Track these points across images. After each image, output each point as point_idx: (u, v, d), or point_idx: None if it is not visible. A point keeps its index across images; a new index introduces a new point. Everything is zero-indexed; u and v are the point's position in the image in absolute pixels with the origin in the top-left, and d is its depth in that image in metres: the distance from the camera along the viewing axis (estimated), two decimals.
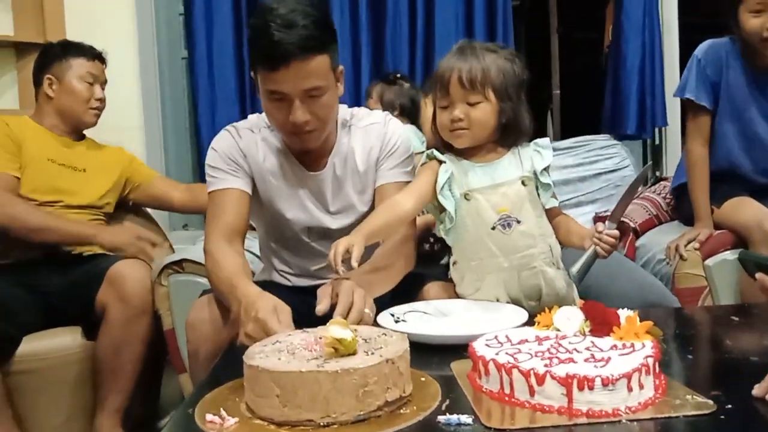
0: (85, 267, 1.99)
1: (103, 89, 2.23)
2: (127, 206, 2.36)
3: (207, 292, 1.50)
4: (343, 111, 1.58)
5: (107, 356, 1.92)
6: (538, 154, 1.41)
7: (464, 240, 1.41)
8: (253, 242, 1.89)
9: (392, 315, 1.33)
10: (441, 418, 0.89)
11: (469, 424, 0.88)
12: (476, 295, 1.39)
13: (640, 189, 2.55)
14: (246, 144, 1.53)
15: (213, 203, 1.50)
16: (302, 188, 1.55)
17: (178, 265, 1.96)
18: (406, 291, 1.50)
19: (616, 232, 1.33)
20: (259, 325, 1.15)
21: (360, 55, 2.71)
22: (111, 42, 2.39)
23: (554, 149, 2.76)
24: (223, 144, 1.53)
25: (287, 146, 1.53)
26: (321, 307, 1.23)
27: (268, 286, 1.63)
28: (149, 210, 2.45)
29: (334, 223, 1.56)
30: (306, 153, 1.52)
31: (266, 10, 1.36)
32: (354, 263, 1.23)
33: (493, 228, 1.37)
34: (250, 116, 1.59)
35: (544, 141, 1.44)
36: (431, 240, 2.03)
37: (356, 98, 2.65)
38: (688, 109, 2.13)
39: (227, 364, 1.16)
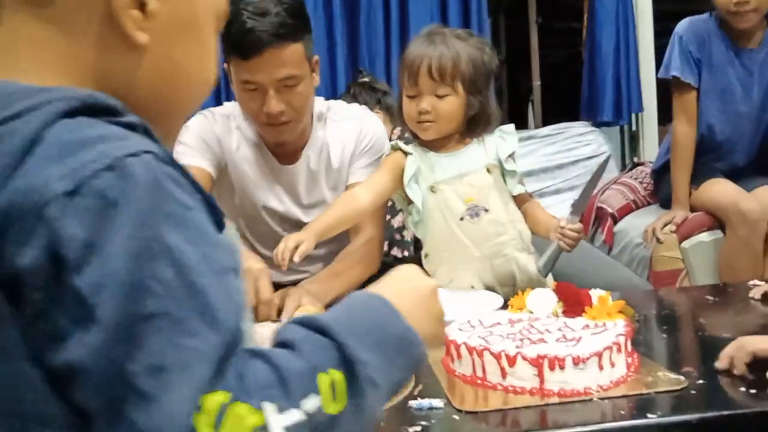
0: None
1: None
2: None
3: None
4: (319, 103, 1.56)
5: None
6: (503, 140, 1.40)
7: (434, 232, 1.40)
8: None
9: None
10: (413, 403, 0.89)
11: (440, 408, 0.87)
12: (450, 286, 1.38)
13: (618, 174, 2.56)
14: (220, 130, 1.51)
15: None
16: (275, 180, 1.54)
17: None
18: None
19: (579, 226, 1.33)
20: (252, 281, 1.16)
21: (335, 49, 2.70)
22: None
23: (532, 138, 2.80)
24: (196, 125, 1.51)
25: (262, 138, 1.51)
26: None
27: None
28: None
29: (306, 216, 1.54)
30: (280, 145, 1.50)
31: None
32: (296, 259, 1.22)
33: (462, 218, 1.37)
34: (226, 103, 1.57)
35: (509, 127, 1.43)
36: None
37: (332, 92, 2.64)
38: (672, 88, 2.13)
39: None
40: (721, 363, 0.92)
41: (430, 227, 1.40)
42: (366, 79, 2.29)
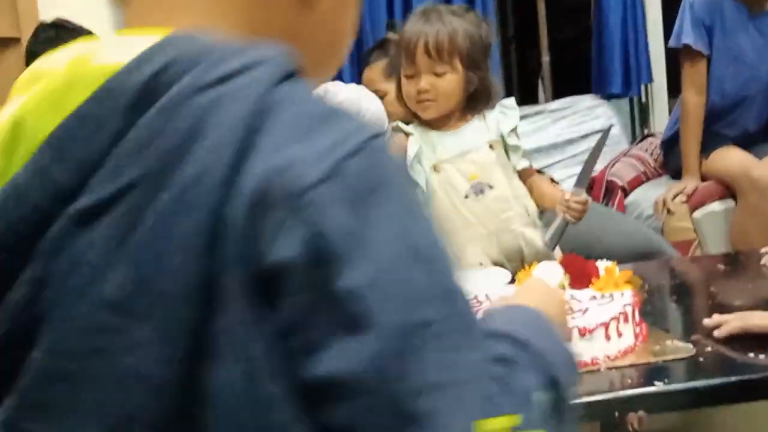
0: None
1: None
2: None
3: None
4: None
5: None
6: (504, 115, 1.39)
7: (439, 211, 1.40)
8: None
9: None
10: None
11: None
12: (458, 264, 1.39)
13: (628, 146, 2.53)
14: None
15: None
16: None
17: None
18: None
19: (584, 197, 1.32)
20: None
21: None
22: (84, 25, 2.35)
23: (541, 113, 2.77)
24: None
25: None
26: None
27: None
28: None
29: None
30: None
31: None
32: None
33: (466, 196, 1.36)
34: None
35: (509, 101, 1.42)
36: None
37: (336, 73, 2.63)
38: (682, 57, 2.11)
39: None
40: (710, 321, 0.92)
41: (435, 206, 1.40)
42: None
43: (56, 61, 0.38)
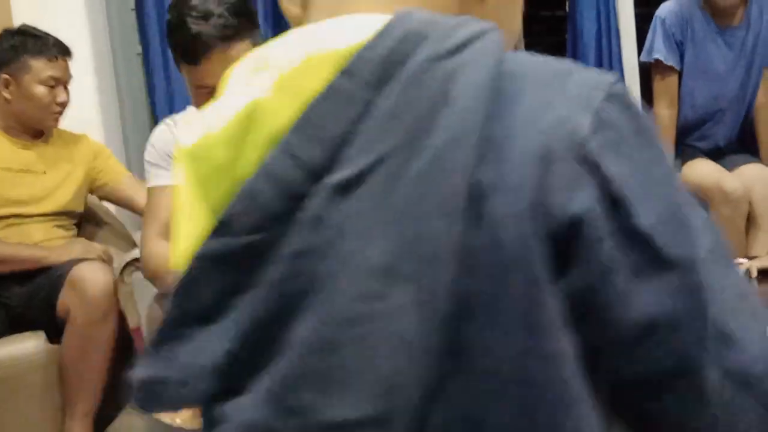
0: (45, 272, 1.95)
1: (67, 88, 2.06)
2: (91, 210, 2.30)
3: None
4: None
5: (73, 361, 1.88)
6: None
7: None
8: None
9: None
10: None
11: None
12: None
13: None
14: None
15: (151, 200, 1.49)
16: None
17: (140, 262, 1.93)
18: None
19: None
20: None
21: None
22: (62, 38, 2.32)
23: None
24: (160, 139, 1.51)
25: None
26: None
27: None
28: (114, 209, 2.40)
29: None
30: None
31: (181, 3, 1.34)
32: None
33: None
34: (189, 107, 1.55)
35: None
36: None
37: None
38: (654, 71, 2.15)
39: None
40: None
41: None
42: None
43: (282, 48, 0.38)
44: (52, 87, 2.02)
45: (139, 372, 0.39)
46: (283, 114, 0.35)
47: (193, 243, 0.37)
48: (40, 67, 2.00)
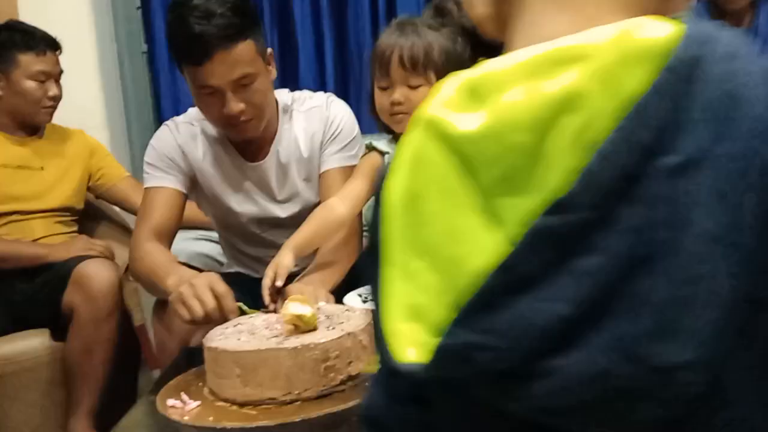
0: (49, 269, 1.95)
1: (58, 82, 2.07)
2: (93, 206, 2.30)
3: None
4: (284, 96, 1.54)
5: (78, 358, 1.88)
6: None
7: None
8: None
9: (360, 295, 1.32)
10: None
11: None
12: None
13: None
14: (184, 140, 1.49)
15: (145, 200, 1.49)
16: (246, 180, 1.52)
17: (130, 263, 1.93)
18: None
19: None
20: (217, 301, 1.13)
21: (323, 41, 2.69)
22: (67, 38, 2.33)
23: None
24: (160, 141, 1.50)
25: (227, 138, 1.49)
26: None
27: (234, 276, 1.62)
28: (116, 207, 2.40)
29: (282, 212, 1.52)
30: (248, 143, 1.48)
31: (181, 3, 1.32)
32: (279, 283, 1.20)
33: None
34: (190, 109, 1.54)
35: None
36: None
37: (321, 86, 2.63)
38: None
39: (192, 352, 1.14)
40: None
41: None
42: None
43: (593, 38, 0.42)
44: (42, 81, 2.01)
45: (448, 340, 0.42)
46: (603, 103, 0.40)
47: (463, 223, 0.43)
48: (29, 61, 2.00)
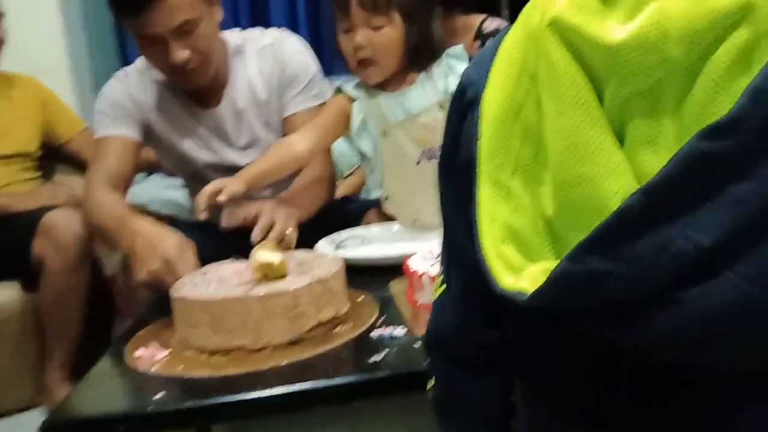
0: (16, 220, 1.90)
1: None
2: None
3: None
4: (234, 36, 1.48)
5: (50, 309, 1.86)
6: (451, 69, 1.30)
7: (391, 176, 1.35)
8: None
9: (332, 241, 1.31)
10: (374, 333, 0.89)
11: (401, 337, 0.87)
12: (415, 226, 1.36)
13: None
14: (136, 88, 1.44)
15: (97, 149, 1.43)
16: (200, 126, 1.47)
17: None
18: (347, 220, 1.47)
19: None
20: (168, 265, 1.09)
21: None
22: None
23: None
24: (111, 89, 1.45)
25: (180, 87, 1.44)
26: (226, 223, 1.17)
27: (202, 225, 1.60)
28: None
29: (243, 158, 1.47)
30: (201, 89, 1.43)
31: None
32: (222, 198, 1.15)
33: (418, 162, 1.31)
34: (140, 57, 1.46)
35: (456, 49, 1.32)
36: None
37: (293, 26, 2.54)
38: None
39: (161, 302, 1.13)
40: None
41: (387, 171, 1.35)
42: None
43: None
44: None
45: (573, 267, 0.39)
46: None
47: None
48: None
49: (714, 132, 0.36)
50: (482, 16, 1.88)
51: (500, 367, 0.53)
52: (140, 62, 1.47)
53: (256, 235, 1.16)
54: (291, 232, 1.20)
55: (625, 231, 0.38)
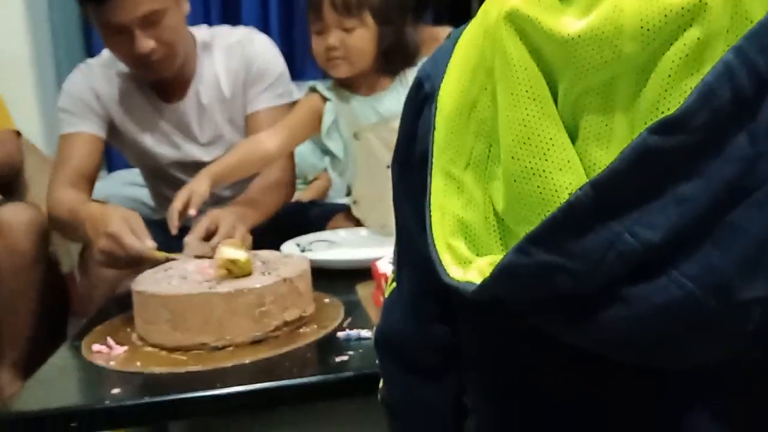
0: None
1: None
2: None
3: None
4: (203, 32, 1.47)
5: (1, 310, 1.79)
6: None
7: (361, 179, 1.35)
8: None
9: (298, 245, 1.29)
10: (340, 334, 0.88)
11: (368, 338, 0.86)
12: (383, 231, 1.36)
13: None
14: (98, 82, 1.42)
15: (60, 148, 1.41)
16: (163, 121, 1.45)
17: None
18: (312, 223, 1.46)
19: None
20: (113, 239, 1.07)
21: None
22: None
23: None
24: (73, 84, 1.43)
25: (143, 80, 1.41)
26: (189, 238, 1.12)
27: (162, 223, 1.57)
28: None
29: (206, 155, 1.46)
30: (165, 83, 1.41)
31: None
32: (191, 212, 1.14)
33: (388, 166, 1.31)
34: (105, 50, 1.44)
35: None
36: None
37: (264, 26, 2.53)
38: None
39: (119, 300, 1.10)
40: None
41: (357, 174, 1.35)
42: None
43: None
44: None
45: (519, 259, 0.39)
46: (724, 20, 0.37)
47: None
48: None
49: (663, 127, 0.36)
50: (449, 29, 1.90)
51: (452, 368, 0.52)
52: (105, 54, 1.44)
53: (190, 237, 1.12)
54: (244, 235, 1.17)
55: (573, 224, 0.38)
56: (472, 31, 0.47)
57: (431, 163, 0.45)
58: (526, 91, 0.41)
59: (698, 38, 0.37)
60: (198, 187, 1.17)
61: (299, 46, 2.43)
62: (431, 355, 0.53)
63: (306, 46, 2.41)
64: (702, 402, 0.42)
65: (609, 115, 0.39)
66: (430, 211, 0.45)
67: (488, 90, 0.44)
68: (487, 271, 0.41)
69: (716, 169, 0.36)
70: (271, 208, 1.37)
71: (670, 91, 0.37)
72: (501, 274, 0.40)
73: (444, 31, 1.91)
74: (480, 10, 0.46)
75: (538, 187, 0.40)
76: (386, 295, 0.58)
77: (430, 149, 0.45)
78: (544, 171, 0.40)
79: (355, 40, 1.24)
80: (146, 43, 1.27)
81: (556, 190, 0.40)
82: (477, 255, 0.44)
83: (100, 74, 1.43)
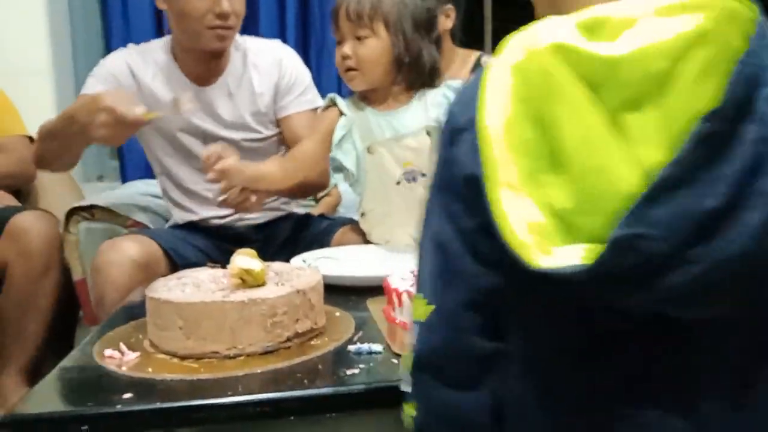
0: None
1: None
2: None
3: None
4: (237, 36, 1.59)
5: (11, 315, 1.79)
6: (446, 99, 1.33)
7: (370, 193, 1.36)
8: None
9: (304, 261, 1.30)
10: (351, 347, 0.88)
11: (379, 352, 0.86)
12: (387, 246, 1.36)
13: None
14: (135, 61, 1.55)
15: (74, 104, 1.45)
16: (194, 101, 1.53)
17: (88, 212, 1.85)
18: (318, 238, 1.47)
19: None
20: (109, 111, 1.17)
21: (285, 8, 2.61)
22: None
23: None
24: (112, 59, 1.57)
25: (180, 66, 1.54)
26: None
27: (180, 228, 1.59)
28: None
29: (227, 133, 1.55)
30: (201, 67, 1.53)
31: None
32: (224, 163, 1.23)
33: (398, 183, 1.32)
34: (153, 40, 1.61)
35: (456, 83, 1.36)
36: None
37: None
38: None
39: (131, 308, 1.10)
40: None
41: (367, 187, 1.36)
42: None
43: None
44: None
45: (619, 232, 0.47)
46: (728, 40, 0.49)
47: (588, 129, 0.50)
48: None
49: (711, 116, 0.47)
50: (478, 53, 1.92)
51: (490, 379, 0.55)
52: (148, 44, 1.59)
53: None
54: (253, 199, 1.27)
55: (653, 199, 0.47)
56: (500, 68, 0.54)
57: (485, 180, 0.52)
58: (583, 105, 0.50)
59: (710, 54, 0.48)
60: (242, 165, 1.26)
61: (314, 61, 2.47)
62: (474, 366, 0.56)
63: (320, 60, 2.45)
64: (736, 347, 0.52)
65: (646, 117, 0.49)
66: (495, 220, 0.51)
67: (526, 115, 0.52)
68: (592, 252, 0.48)
69: (740, 149, 0.47)
70: (285, 184, 1.38)
71: (696, 90, 0.48)
72: (610, 248, 0.47)
73: (473, 54, 1.92)
74: (500, 53, 0.54)
75: (602, 181, 0.49)
76: (417, 317, 0.58)
77: (479, 170, 0.52)
78: (606, 167, 0.49)
79: (367, 49, 1.28)
80: (229, 4, 1.42)
81: (617, 183, 0.48)
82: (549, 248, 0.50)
83: (138, 56, 1.56)
